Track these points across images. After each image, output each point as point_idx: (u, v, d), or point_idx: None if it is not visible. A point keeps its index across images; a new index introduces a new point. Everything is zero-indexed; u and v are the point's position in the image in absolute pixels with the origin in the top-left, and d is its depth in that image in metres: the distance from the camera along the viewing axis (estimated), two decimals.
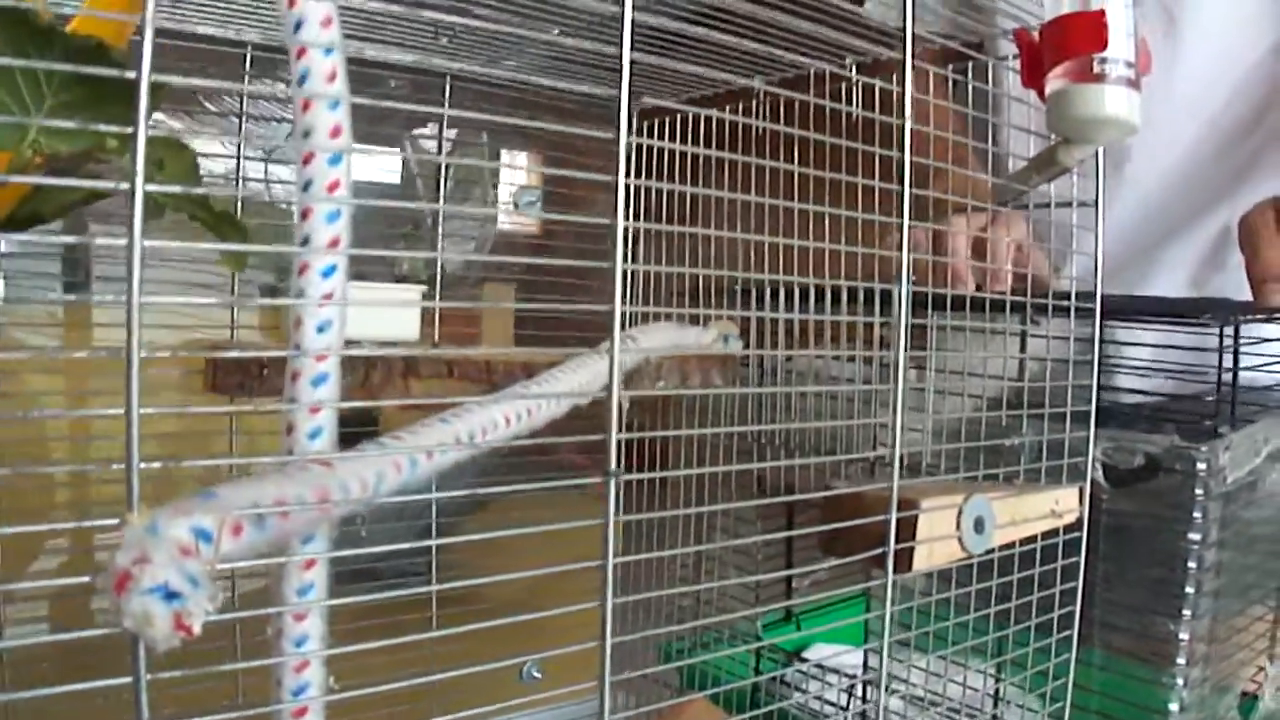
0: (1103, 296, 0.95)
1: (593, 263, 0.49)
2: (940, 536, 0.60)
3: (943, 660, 0.76)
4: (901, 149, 0.57)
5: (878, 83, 0.62)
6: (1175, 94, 0.99)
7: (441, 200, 1.03)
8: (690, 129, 0.97)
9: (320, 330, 0.49)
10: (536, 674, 0.98)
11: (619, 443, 0.48)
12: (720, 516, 0.94)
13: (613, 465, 0.46)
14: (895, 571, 0.58)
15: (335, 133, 0.47)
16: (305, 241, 0.48)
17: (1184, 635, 0.69)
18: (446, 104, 0.97)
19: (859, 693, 0.87)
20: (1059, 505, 0.68)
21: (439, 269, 0.98)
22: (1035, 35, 0.62)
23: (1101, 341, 0.69)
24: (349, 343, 0.81)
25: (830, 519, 0.63)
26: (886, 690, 0.57)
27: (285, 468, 0.45)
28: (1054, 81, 0.60)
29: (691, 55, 0.96)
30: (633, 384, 0.79)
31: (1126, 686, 0.72)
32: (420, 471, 0.50)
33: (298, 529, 0.44)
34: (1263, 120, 1.00)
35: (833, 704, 0.83)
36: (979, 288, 0.82)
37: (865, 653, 0.87)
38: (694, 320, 0.89)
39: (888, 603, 0.57)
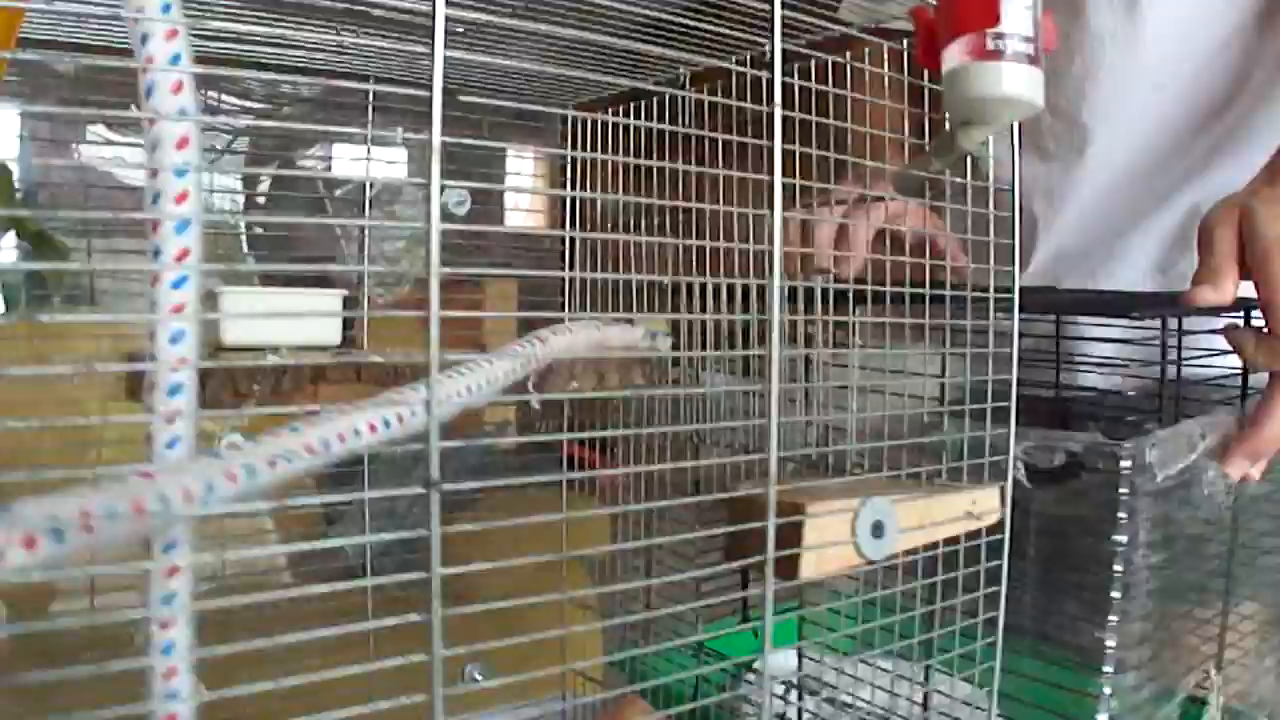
0: (1049, 291, 0.92)
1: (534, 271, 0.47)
2: (832, 542, 0.57)
3: (867, 665, 0.74)
4: (787, 137, 0.54)
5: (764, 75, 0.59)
6: (1139, 73, 0.95)
7: (367, 210, 1.01)
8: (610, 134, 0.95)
9: (173, 341, 0.49)
10: (478, 676, 0.96)
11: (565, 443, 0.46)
12: (656, 517, 0.92)
13: (435, 475, 0.44)
14: (778, 577, 0.55)
15: (182, 144, 0.46)
16: (156, 254, 0.48)
17: (1111, 642, 0.65)
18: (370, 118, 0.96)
19: (779, 693, 0.85)
20: (976, 506, 0.65)
21: (365, 275, 0.96)
22: (932, 12, 0.58)
23: (1025, 335, 0.65)
24: (264, 350, 0.81)
25: (731, 522, 0.60)
26: (772, 693, 0.55)
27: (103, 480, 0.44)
28: (949, 60, 0.57)
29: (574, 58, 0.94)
30: (546, 386, 0.76)
31: (1055, 696, 0.68)
32: (261, 480, 0.48)
33: (108, 541, 0.43)
34: (1232, 100, 0.95)
35: (750, 703, 0.81)
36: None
37: (799, 654, 0.84)
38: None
39: (767, 611, 0.54)
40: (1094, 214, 0.99)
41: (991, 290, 0.66)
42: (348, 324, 0.99)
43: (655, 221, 0.93)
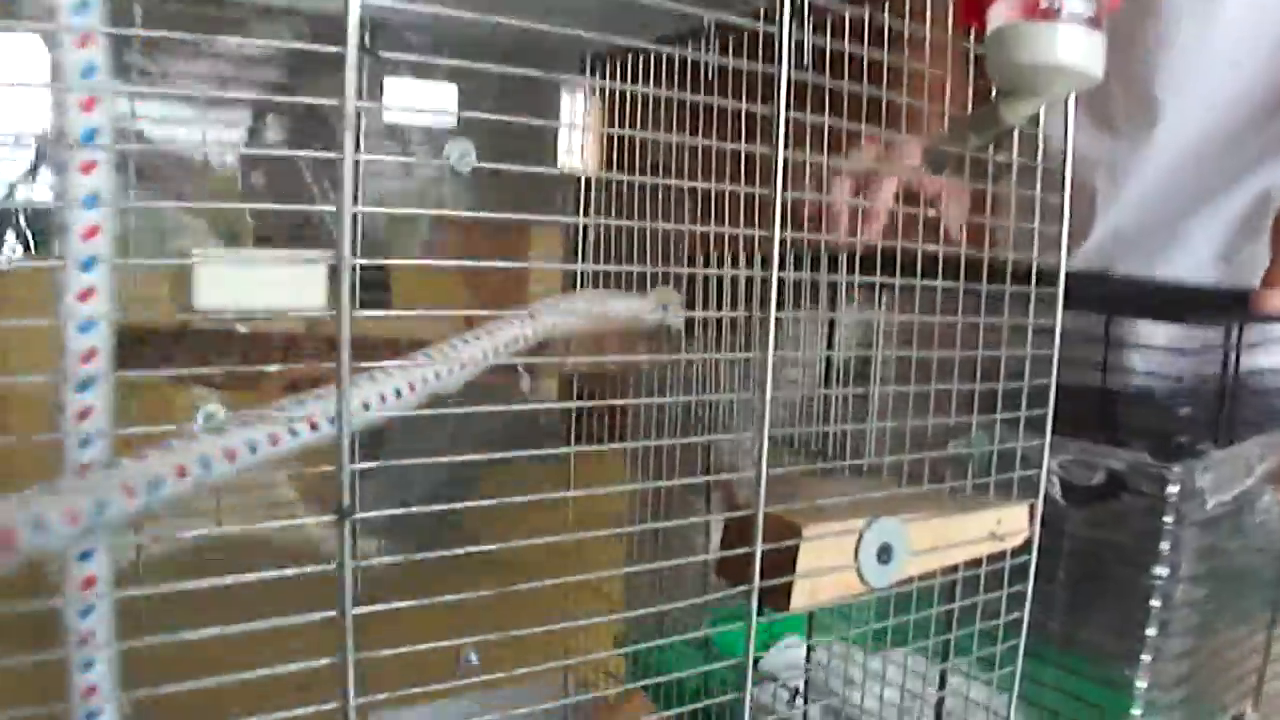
0: (1103, 279, 0.83)
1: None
2: (830, 568, 0.51)
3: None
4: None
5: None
6: (1215, 49, 0.86)
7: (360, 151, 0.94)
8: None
9: (83, 331, 0.43)
10: (474, 659, 0.91)
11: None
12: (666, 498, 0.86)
13: (346, 501, 0.38)
14: (766, 608, 0.49)
15: (88, 106, 0.40)
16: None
17: (1142, 683, 0.58)
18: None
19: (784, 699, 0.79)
20: (1001, 526, 0.58)
21: (359, 230, 0.90)
22: None
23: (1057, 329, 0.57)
24: (242, 317, 0.75)
25: (726, 525, 0.54)
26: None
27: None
28: (995, 18, 0.49)
29: None
30: (538, 367, 0.70)
31: (1080, 711, 0.61)
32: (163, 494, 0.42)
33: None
34: None
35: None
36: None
37: (807, 649, 0.78)
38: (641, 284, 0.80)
39: (750, 647, 0.48)
40: (1158, 194, 0.90)
41: (1033, 285, 0.58)
42: (382, 284, 0.94)
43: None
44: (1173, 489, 0.57)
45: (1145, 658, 0.58)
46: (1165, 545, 0.57)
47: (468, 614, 0.45)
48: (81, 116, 0.40)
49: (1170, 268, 0.89)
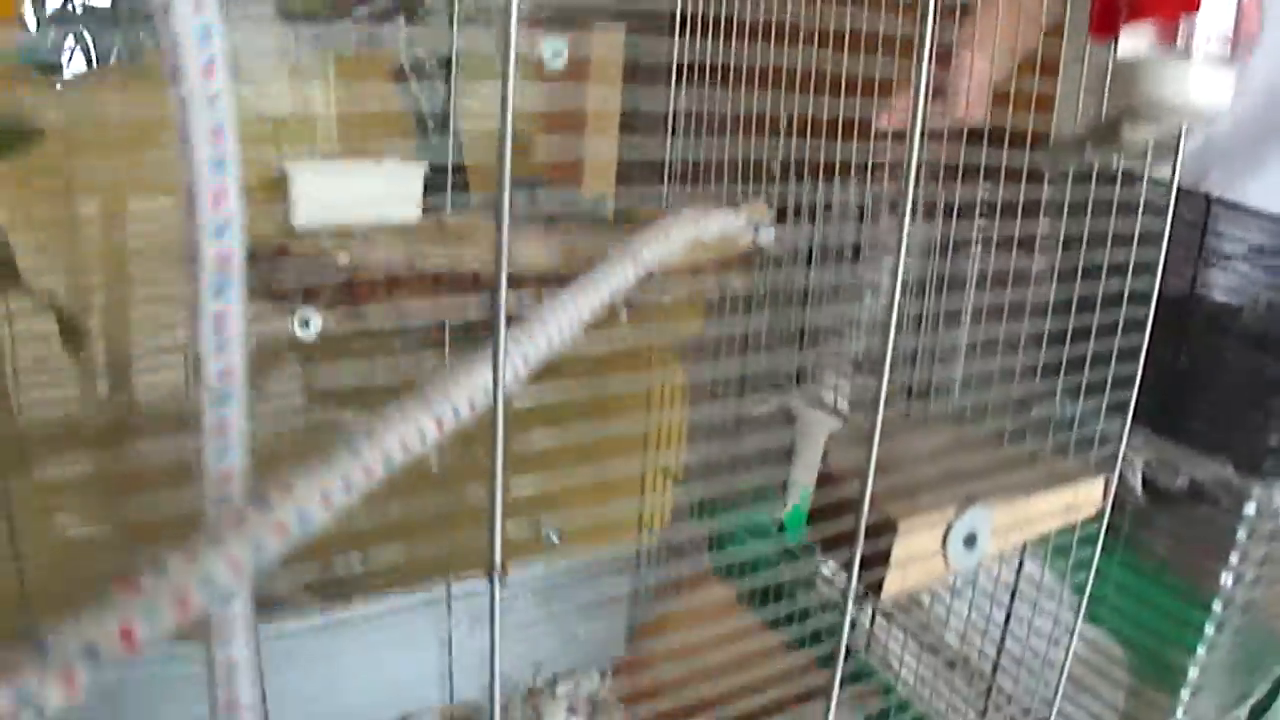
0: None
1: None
2: (922, 557, 0.54)
3: None
4: None
5: None
6: None
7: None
8: None
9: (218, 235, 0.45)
10: (555, 539, 0.97)
11: None
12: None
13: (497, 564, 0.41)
14: (861, 599, 0.53)
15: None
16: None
17: (1194, 671, 0.62)
18: None
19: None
20: (1078, 498, 0.61)
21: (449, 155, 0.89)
22: None
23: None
24: (341, 235, 0.76)
25: (820, 494, 0.58)
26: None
27: None
28: (1129, 40, 0.48)
29: None
30: (635, 299, 0.72)
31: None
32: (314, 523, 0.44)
33: None
34: None
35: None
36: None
37: None
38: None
39: (842, 639, 0.52)
40: (1255, 110, 0.87)
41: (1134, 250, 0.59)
42: (464, 186, 0.93)
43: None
44: (1250, 507, 0.59)
45: (1200, 650, 0.62)
46: (1235, 558, 0.60)
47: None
48: None
49: (1262, 189, 0.87)
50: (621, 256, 0.66)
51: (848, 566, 0.52)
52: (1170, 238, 0.60)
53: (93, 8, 0.85)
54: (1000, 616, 0.70)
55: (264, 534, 0.41)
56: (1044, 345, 0.63)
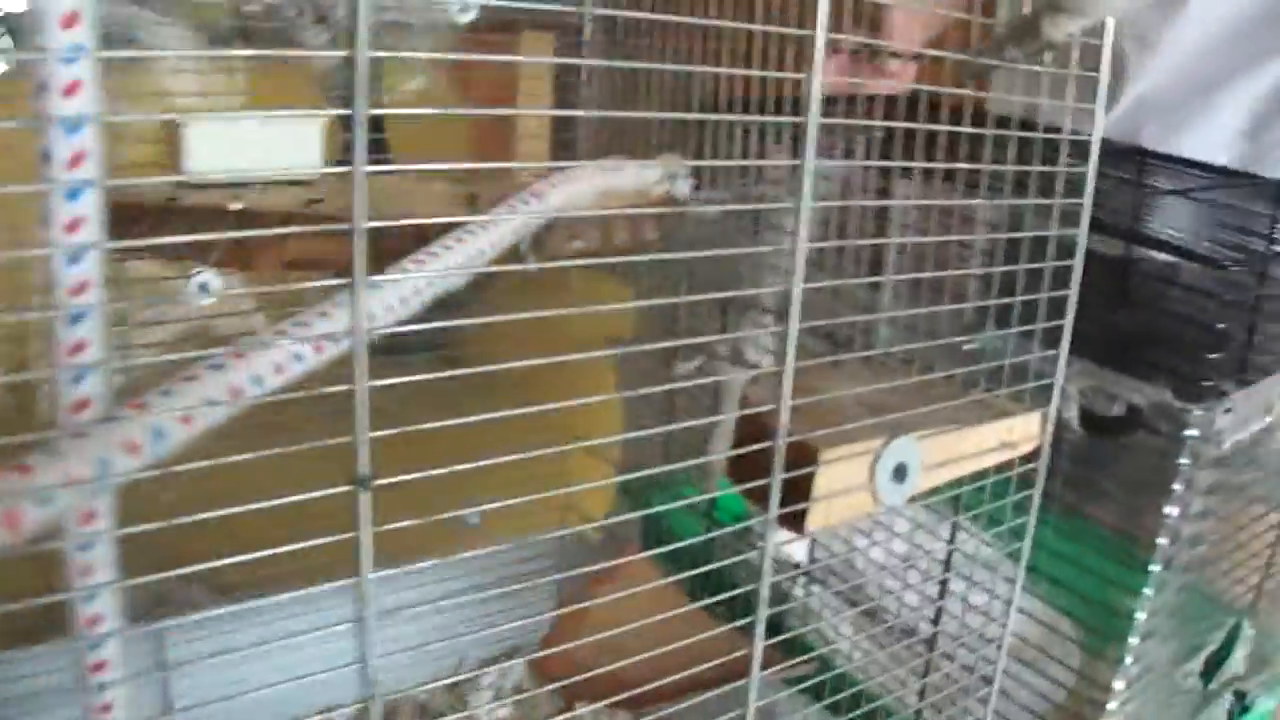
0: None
1: None
2: (846, 490, 0.51)
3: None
4: None
5: None
6: None
7: None
8: None
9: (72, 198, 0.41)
10: (474, 521, 0.92)
11: None
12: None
13: (364, 470, 0.37)
14: (784, 529, 0.50)
15: None
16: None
17: (1141, 614, 0.59)
18: None
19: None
20: (1013, 434, 0.58)
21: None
22: None
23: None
24: (237, 185, 0.72)
25: (738, 437, 0.54)
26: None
27: None
28: None
29: None
30: (544, 245, 0.68)
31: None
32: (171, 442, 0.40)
33: None
34: None
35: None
36: None
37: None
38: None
39: (765, 577, 0.48)
40: (1187, 66, 0.86)
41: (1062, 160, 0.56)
42: (381, 145, 0.88)
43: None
44: (1193, 431, 0.56)
45: (1148, 590, 0.59)
46: (1179, 485, 0.58)
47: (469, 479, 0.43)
48: None
49: (1195, 141, 0.86)
50: (525, 194, 0.62)
51: (763, 500, 0.49)
52: (1104, 190, 0.58)
53: None
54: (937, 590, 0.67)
55: (111, 450, 0.37)
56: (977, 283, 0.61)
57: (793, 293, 0.43)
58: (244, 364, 0.41)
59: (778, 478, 0.47)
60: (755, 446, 0.47)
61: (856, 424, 0.51)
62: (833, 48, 0.43)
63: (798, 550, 0.82)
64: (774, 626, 0.60)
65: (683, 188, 0.75)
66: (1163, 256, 0.71)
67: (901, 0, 0.68)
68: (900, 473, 0.52)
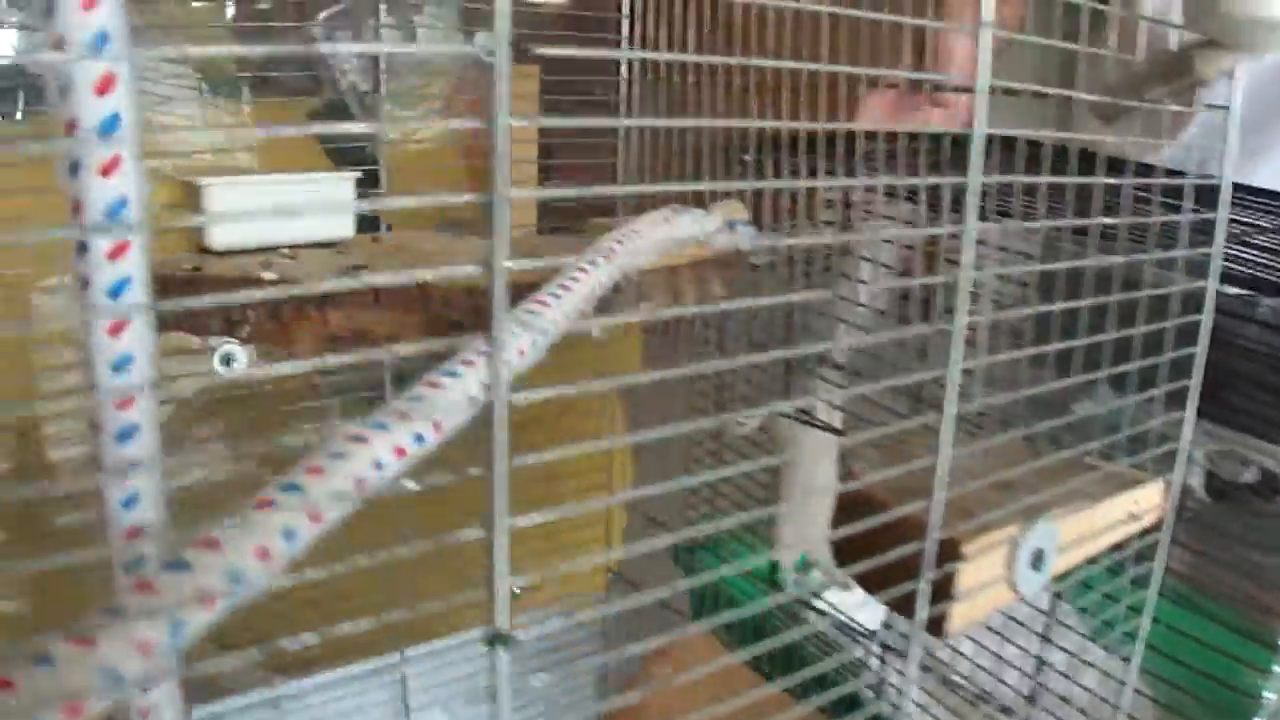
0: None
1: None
2: (986, 584, 0.46)
3: None
4: None
5: None
6: None
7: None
8: None
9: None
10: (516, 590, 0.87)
11: None
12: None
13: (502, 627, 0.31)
14: (926, 634, 0.44)
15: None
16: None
17: (1270, 694, 0.54)
18: None
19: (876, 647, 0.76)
20: (1139, 505, 0.53)
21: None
22: None
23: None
24: (268, 250, 0.66)
25: (848, 517, 0.48)
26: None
27: None
28: None
29: None
30: (612, 309, 0.63)
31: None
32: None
33: None
34: None
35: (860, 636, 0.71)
36: None
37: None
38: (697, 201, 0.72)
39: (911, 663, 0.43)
40: (1261, 96, 0.83)
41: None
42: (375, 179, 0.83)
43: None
44: None
45: (1276, 668, 0.54)
46: None
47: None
48: None
49: (1262, 172, 0.82)
50: (595, 254, 0.57)
51: (900, 608, 0.43)
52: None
53: None
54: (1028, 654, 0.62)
55: (183, 605, 0.30)
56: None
57: (950, 375, 0.38)
58: (324, 480, 0.35)
59: (926, 581, 0.42)
60: (901, 551, 0.41)
61: (1000, 510, 0.46)
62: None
63: (871, 617, 0.77)
64: (851, 702, 0.55)
65: (746, 237, 0.70)
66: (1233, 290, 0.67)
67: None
68: (1038, 559, 0.47)
